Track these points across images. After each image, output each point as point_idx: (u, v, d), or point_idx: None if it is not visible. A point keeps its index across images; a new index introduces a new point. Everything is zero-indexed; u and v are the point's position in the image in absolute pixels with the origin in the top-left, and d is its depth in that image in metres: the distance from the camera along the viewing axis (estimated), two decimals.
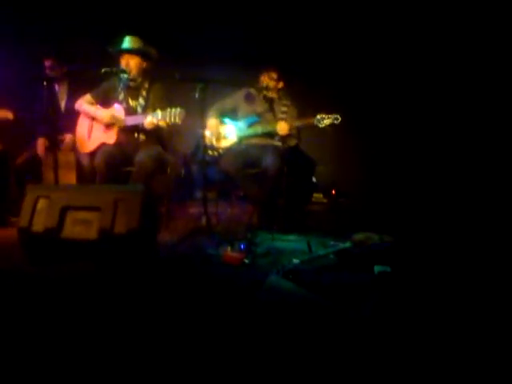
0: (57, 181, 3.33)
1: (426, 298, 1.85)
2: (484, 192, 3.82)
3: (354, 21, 4.41)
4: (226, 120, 3.90)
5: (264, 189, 3.60)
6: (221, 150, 3.83)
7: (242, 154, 3.70)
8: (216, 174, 3.86)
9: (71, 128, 3.83)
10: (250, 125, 3.81)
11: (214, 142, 3.84)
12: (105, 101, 3.60)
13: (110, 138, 3.47)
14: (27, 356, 1.51)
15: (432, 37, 4.25)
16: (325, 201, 4.40)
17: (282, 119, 3.71)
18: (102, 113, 3.52)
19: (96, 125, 3.59)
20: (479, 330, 1.62)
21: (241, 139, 3.80)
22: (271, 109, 3.82)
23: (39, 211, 2.57)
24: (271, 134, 3.73)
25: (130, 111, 3.51)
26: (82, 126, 3.68)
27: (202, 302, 1.99)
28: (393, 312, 1.74)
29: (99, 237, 2.47)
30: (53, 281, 2.27)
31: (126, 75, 3.51)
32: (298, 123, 3.64)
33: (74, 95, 3.86)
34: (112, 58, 3.56)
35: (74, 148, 3.86)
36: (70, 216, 2.56)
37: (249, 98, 3.89)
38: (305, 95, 4.18)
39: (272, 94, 3.82)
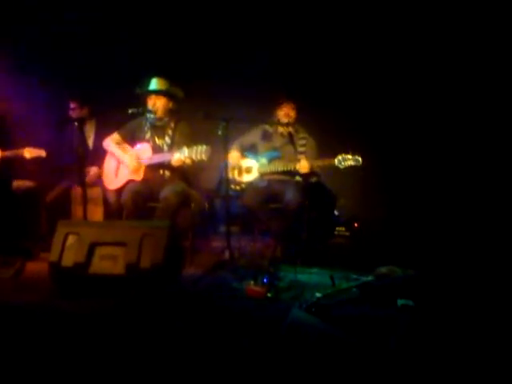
0: (85, 215, 3.45)
1: (449, 331, 1.84)
2: (509, 231, 3.76)
3: (371, 60, 4.49)
4: (248, 154, 3.99)
5: (286, 223, 3.64)
6: (243, 185, 3.90)
7: (264, 190, 3.76)
8: (239, 208, 3.91)
9: (98, 164, 3.99)
10: (271, 160, 3.88)
11: (237, 177, 3.92)
12: (132, 139, 3.75)
13: (138, 175, 3.59)
14: None
15: (454, 73, 4.30)
16: (347, 234, 4.39)
17: (302, 153, 3.76)
18: (127, 159, 3.62)
19: (123, 163, 3.72)
20: (503, 364, 1.60)
21: (262, 174, 3.87)
22: (291, 141, 3.88)
23: (69, 247, 2.66)
24: (292, 173, 3.78)
25: (157, 149, 3.64)
26: (110, 163, 3.81)
27: (226, 336, 2.01)
28: (417, 346, 1.73)
29: (125, 272, 2.54)
30: (79, 315, 2.32)
31: (152, 115, 3.65)
32: (318, 163, 3.65)
33: (101, 134, 4.02)
34: (138, 98, 3.72)
35: (98, 180, 4.00)
36: (98, 251, 2.65)
37: (265, 137, 3.98)
38: (322, 128, 4.24)
39: (289, 128, 3.89)
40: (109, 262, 2.62)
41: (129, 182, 3.60)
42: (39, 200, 3.93)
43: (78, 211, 3.95)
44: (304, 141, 3.89)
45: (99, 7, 4.41)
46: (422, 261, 3.07)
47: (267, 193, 3.75)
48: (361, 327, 1.97)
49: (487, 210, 4.06)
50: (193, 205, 3.67)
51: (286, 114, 3.85)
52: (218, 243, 4.08)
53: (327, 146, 4.03)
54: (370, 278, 2.74)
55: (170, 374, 1.66)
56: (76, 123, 3.77)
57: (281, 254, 3.62)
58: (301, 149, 3.84)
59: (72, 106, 4.19)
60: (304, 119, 4.02)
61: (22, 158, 3.64)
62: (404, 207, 4.44)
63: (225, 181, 3.50)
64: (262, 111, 4.08)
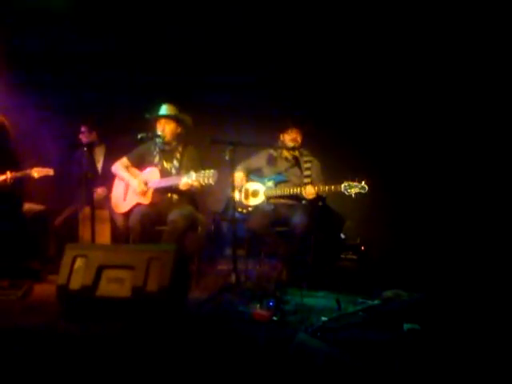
0: (93, 234, 3.50)
1: (455, 355, 1.83)
2: None
3: (377, 84, 4.56)
4: (254, 178, 4.03)
5: (292, 246, 3.65)
6: (250, 208, 3.92)
7: (271, 213, 3.78)
8: (245, 231, 3.93)
9: (106, 186, 4.07)
10: (277, 183, 3.92)
11: (243, 200, 3.95)
12: (141, 163, 3.81)
13: (146, 198, 3.63)
14: None
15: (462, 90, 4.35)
16: (354, 257, 4.38)
17: (308, 176, 3.80)
18: (135, 183, 3.67)
19: (131, 187, 3.77)
20: None
21: (269, 198, 3.90)
22: (296, 164, 3.92)
23: (77, 269, 2.69)
24: (298, 198, 3.80)
25: (165, 173, 3.69)
26: (118, 187, 3.87)
27: (231, 360, 2.01)
28: (422, 369, 1.72)
29: (132, 295, 2.56)
30: (86, 338, 2.33)
31: (160, 139, 3.72)
32: (324, 189, 3.63)
33: (110, 159, 4.09)
34: (147, 123, 3.80)
35: (106, 201, 4.07)
36: (106, 274, 2.67)
37: (271, 161, 4.01)
38: (327, 150, 4.27)
39: (295, 152, 3.92)
40: (116, 285, 2.64)
41: (137, 205, 3.65)
42: (48, 223, 3.99)
43: (85, 231, 4.01)
44: (309, 164, 3.92)
45: (113, 32, 4.54)
46: (428, 284, 3.05)
47: (273, 216, 3.77)
48: (367, 351, 1.97)
49: (495, 233, 4.04)
50: (199, 228, 3.69)
51: (292, 139, 3.88)
52: (224, 266, 4.09)
53: (332, 168, 4.06)
54: (376, 301, 2.72)
55: None
56: (85, 148, 3.85)
57: (287, 278, 3.62)
58: (306, 172, 3.88)
59: (83, 129, 4.29)
60: (309, 142, 4.06)
61: (31, 178, 3.70)
62: (410, 230, 4.43)
63: (231, 204, 3.53)
64: (268, 135, 4.13)
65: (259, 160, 4.06)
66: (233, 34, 4.53)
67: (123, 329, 2.45)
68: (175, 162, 3.75)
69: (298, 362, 1.82)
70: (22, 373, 1.87)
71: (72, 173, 4.29)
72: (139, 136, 3.63)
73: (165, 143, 3.75)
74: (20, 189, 3.76)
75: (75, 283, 2.65)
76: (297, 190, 3.73)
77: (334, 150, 4.34)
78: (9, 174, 3.61)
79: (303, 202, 3.82)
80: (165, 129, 3.71)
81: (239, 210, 3.89)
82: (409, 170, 4.53)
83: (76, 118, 4.40)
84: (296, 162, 3.92)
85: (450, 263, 3.78)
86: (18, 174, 3.66)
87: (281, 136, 3.96)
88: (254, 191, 3.98)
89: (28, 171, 3.68)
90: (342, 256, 4.23)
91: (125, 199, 3.78)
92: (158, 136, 3.71)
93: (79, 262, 2.71)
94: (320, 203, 3.89)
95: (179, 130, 3.78)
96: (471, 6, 4.08)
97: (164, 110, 3.76)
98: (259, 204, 3.91)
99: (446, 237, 4.23)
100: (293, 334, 2.02)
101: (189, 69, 4.71)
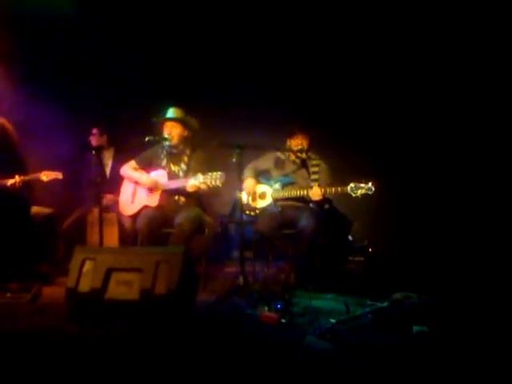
0: (101, 237, 3.50)
1: (464, 357, 1.82)
2: None
3: (385, 86, 4.55)
4: (261, 180, 4.03)
5: (300, 248, 3.65)
6: (257, 210, 3.92)
7: (278, 215, 3.78)
8: (253, 233, 3.93)
9: (114, 191, 4.08)
10: (285, 185, 3.92)
11: (251, 202, 3.95)
12: (148, 166, 3.83)
13: (153, 201, 3.65)
14: None
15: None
16: (362, 259, 4.36)
17: (315, 180, 3.79)
18: (145, 178, 3.73)
19: (139, 189, 3.79)
20: None
21: (276, 200, 3.90)
22: (304, 167, 3.91)
23: (86, 272, 2.69)
24: (305, 200, 3.79)
25: (173, 176, 3.71)
26: (126, 190, 3.89)
27: (240, 363, 2.01)
28: (432, 371, 1.71)
29: (140, 297, 2.56)
30: (94, 340, 2.34)
31: (168, 142, 3.74)
32: (331, 191, 3.63)
33: (118, 161, 4.12)
34: (154, 127, 3.82)
35: (114, 205, 4.09)
36: (114, 277, 2.67)
37: (278, 164, 4.01)
38: (335, 153, 4.27)
39: (302, 155, 3.91)
40: (124, 288, 2.64)
41: (144, 207, 3.66)
42: (56, 226, 4.01)
43: (93, 234, 4.03)
44: (317, 168, 3.91)
45: (122, 38, 4.58)
46: (437, 286, 3.04)
47: (281, 218, 3.77)
48: (375, 354, 1.96)
49: (502, 235, 4.01)
50: (207, 231, 3.70)
51: (298, 144, 3.88)
52: (231, 269, 4.09)
53: (340, 172, 4.05)
54: (384, 303, 2.71)
55: None
56: (94, 152, 3.87)
57: (295, 280, 3.61)
58: (314, 176, 3.87)
59: (94, 131, 4.32)
60: (317, 145, 4.05)
61: (40, 182, 3.73)
62: (418, 232, 4.41)
63: (239, 206, 3.53)
64: (276, 138, 4.13)
65: (267, 162, 4.06)
66: (242, 37, 4.58)
67: (132, 331, 2.45)
68: (183, 165, 3.77)
69: (306, 365, 1.81)
70: (32, 375, 1.88)
71: (81, 176, 4.32)
72: (146, 139, 3.65)
73: (172, 146, 3.76)
74: (28, 192, 3.78)
75: (84, 286, 2.65)
76: (303, 192, 3.73)
77: (341, 153, 4.34)
78: (18, 178, 3.63)
79: (311, 205, 3.81)
80: (171, 132, 3.73)
81: (247, 212, 3.89)
82: (416, 172, 4.52)
83: (87, 120, 4.43)
84: (303, 165, 3.92)
85: (459, 265, 3.76)
86: (27, 178, 3.68)
87: (288, 141, 3.96)
88: (261, 193, 3.98)
89: (37, 175, 3.71)
90: (350, 258, 4.22)
91: (132, 201, 3.80)
92: (165, 139, 3.73)
93: (88, 265, 2.71)
94: (327, 205, 3.88)
95: (186, 133, 3.80)
96: (471, 6, 4.07)
97: (171, 113, 3.78)
98: (267, 206, 3.91)
99: (453, 238, 4.20)
100: (301, 336, 2.02)
101: (197, 72, 4.74)
